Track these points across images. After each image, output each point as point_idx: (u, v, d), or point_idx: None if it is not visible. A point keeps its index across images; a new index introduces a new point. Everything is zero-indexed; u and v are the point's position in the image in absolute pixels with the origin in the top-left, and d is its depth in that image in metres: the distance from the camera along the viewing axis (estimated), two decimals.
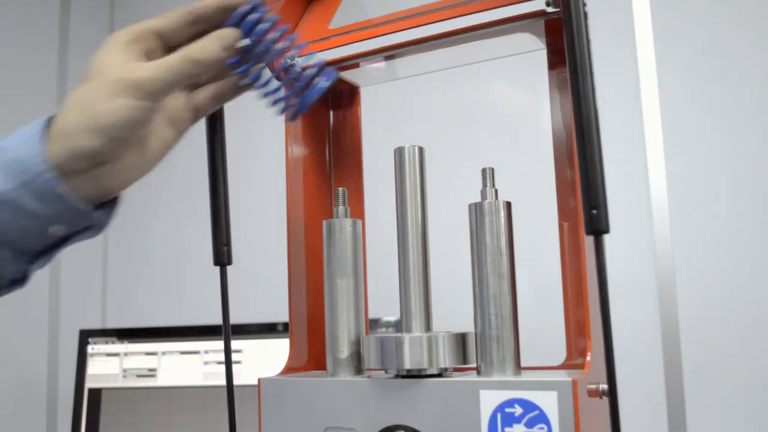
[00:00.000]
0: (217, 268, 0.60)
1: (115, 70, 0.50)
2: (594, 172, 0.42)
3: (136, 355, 1.41)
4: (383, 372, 0.56)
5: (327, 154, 0.71)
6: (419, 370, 0.52)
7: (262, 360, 1.33)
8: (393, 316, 0.66)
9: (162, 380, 1.38)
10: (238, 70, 0.54)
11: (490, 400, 0.49)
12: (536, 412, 0.47)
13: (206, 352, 1.38)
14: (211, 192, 0.59)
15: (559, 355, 0.59)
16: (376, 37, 0.62)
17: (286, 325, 1.34)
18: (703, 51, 1.33)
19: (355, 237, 0.60)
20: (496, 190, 0.55)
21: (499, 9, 0.56)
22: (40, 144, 0.49)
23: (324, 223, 0.61)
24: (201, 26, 0.54)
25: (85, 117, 0.49)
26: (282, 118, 0.56)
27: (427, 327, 0.55)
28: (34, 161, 0.49)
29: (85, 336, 1.45)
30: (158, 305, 1.85)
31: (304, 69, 0.53)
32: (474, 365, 0.54)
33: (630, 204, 1.34)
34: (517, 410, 0.48)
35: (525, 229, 0.70)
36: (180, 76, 0.50)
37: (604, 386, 0.49)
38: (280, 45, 0.53)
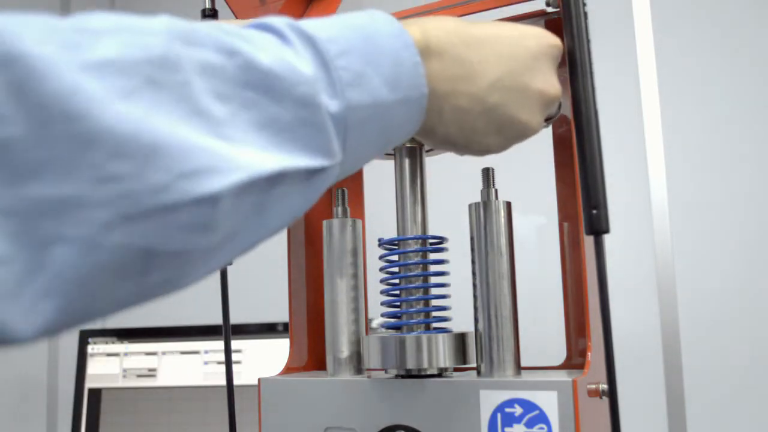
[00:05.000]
0: None
1: (542, 81, 0.44)
2: (594, 172, 0.42)
3: (136, 355, 1.41)
4: (383, 372, 0.56)
5: None
6: (419, 370, 0.52)
7: (262, 360, 1.33)
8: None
9: (162, 380, 1.38)
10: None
11: (490, 400, 0.49)
12: (536, 412, 0.47)
13: (206, 352, 1.38)
14: None
15: (559, 355, 0.59)
16: None
17: (286, 325, 1.34)
18: (704, 50, 1.33)
19: (355, 237, 0.60)
20: (496, 190, 0.55)
21: (499, 9, 0.56)
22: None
23: (324, 223, 0.61)
24: None
25: (480, 105, 0.42)
26: None
27: (428, 327, 0.55)
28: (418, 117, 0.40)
29: (85, 336, 1.45)
30: (158, 305, 1.84)
31: None
32: (474, 365, 0.54)
33: (630, 204, 1.34)
34: (517, 410, 0.48)
35: (525, 229, 0.70)
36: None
37: (604, 386, 0.49)
38: None
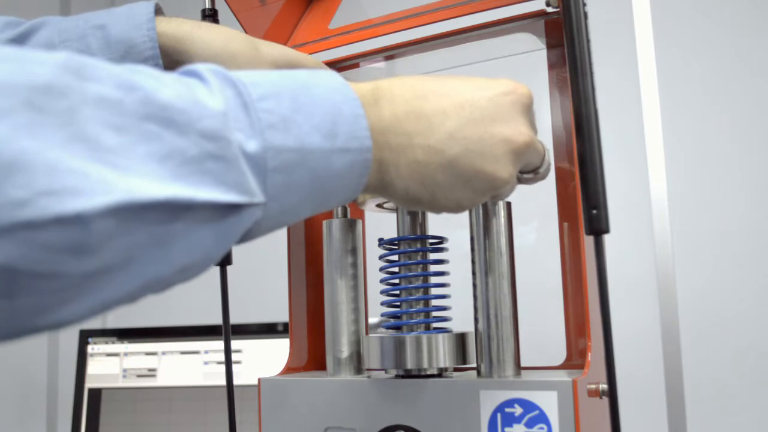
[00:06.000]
0: (217, 268, 0.60)
1: (508, 129, 0.43)
2: (594, 172, 0.42)
3: (136, 355, 1.41)
4: (383, 372, 0.56)
5: None
6: (419, 370, 0.52)
7: (262, 360, 1.33)
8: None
9: (162, 380, 1.38)
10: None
11: (490, 400, 0.49)
12: (536, 412, 0.47)
13: (206, 352, 1.38)
14: None
15: (559, 355, 0.59)
16: (376, 37, 0.62)
17: (286, 325, 1.34)
18: (704, 50, 1.33)
19: (355, 237, 0.60)
20: None
21: (499, 9, 0.56)
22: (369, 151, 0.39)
23: (324, 223, 0.61)
24: None
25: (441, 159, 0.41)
26: None
27: (427, 327, 0.55)
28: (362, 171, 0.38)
29: (85, 336, 1.45)
30: (158, 305, 1.85)
31: None
32: (474, 365, 0.54)
33: (630, 204, 1.34)
34: (517, 410, 0.48)
35: (525, 229, 0.70)
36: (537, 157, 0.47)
37: (604, 386, 0.49)
38: None
